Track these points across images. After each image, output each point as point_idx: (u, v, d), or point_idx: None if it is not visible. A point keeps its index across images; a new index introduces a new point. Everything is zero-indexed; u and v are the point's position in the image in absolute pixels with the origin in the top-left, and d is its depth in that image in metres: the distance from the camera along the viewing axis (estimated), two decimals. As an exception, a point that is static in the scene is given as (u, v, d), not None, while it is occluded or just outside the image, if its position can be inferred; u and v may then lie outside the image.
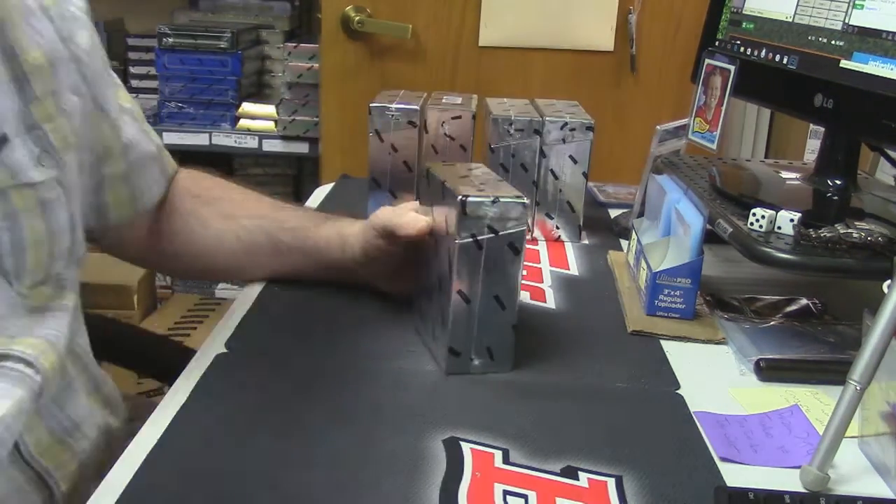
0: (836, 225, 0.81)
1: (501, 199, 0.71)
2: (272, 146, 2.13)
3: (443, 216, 0.75)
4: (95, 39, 0.79)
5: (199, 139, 2.13)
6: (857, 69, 0.86)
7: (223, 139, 2.13)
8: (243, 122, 2.13)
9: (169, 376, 0.75)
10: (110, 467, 0.71)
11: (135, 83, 2.23)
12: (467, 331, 0.74)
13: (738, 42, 1.05)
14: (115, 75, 0.85)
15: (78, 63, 0.74)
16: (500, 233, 0.72)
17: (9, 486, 0.66)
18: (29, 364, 0.66)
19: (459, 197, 0.70)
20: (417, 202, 0.84)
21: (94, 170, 0.80)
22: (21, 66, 0.67)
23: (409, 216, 0.79)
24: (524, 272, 0.78)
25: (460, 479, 0.60)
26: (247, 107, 2.14)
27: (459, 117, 1.10)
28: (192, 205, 0.91)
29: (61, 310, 0.71)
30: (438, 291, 0.76)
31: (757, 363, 0.79)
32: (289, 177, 2.35)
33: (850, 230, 0.80)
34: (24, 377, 0.65)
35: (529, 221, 0.72)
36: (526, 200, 0.72)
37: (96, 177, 0.81)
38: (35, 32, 0.69)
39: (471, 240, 0.71)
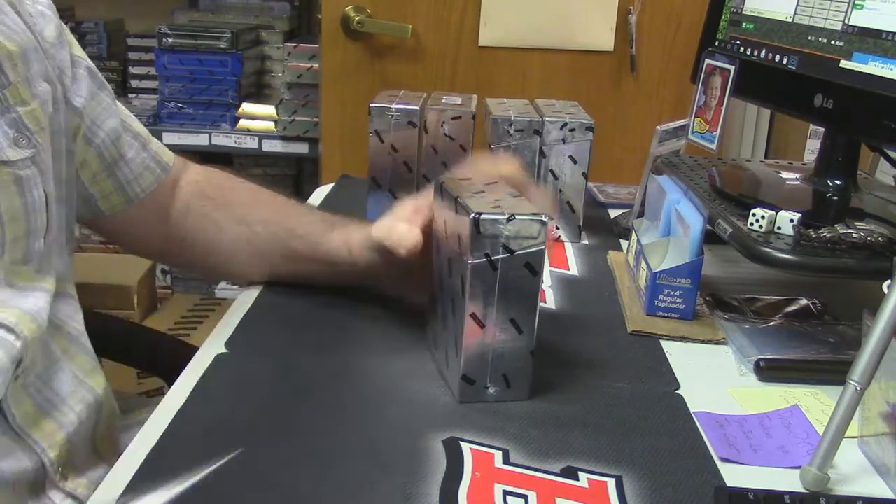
0: (836, 225, 0.81)
1: (518, 217, 0.66)
2: (272, 146, 2.13)
3: (456, 234, 0.70)
4: (65, 36, 0.82)
5: (198, 139, 2.13)
6: (857, 69, 0.86)
7: (223, 139, 2.13)
8: (243, 123, 2.14)
9: (171, 374, 0.75)
10: (99, 438, 0.79)
11: (135, 83, 2.23)
12: (482, 357, 0.70)
13: (738, 42, 1.05)
14: (93, 70, 0.86)
15: (46, 55, 0.78)
16: (517, 252, 0.67)
17: (1, 451, 0.69)
18: (9, 330, 0.69)
19: (472, 214, 0.66)
20: (414, 202, 0.80)
21: (70, 158, 0.82)
22: None
23: (398, 232, 0.76)
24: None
25: (460, 479, 0.60)
26: (247, 107, 2.14)
27: (459, 117, 1.10)
28: (206, 207, 0.92)
29: (42, 291, 0.74)
30: (451, 315, 0.72)
31: (757, 363, 0.79)
32: (289, 177, 2.35)
33: (850, 230, 0.80)
34: (4, 341, 0.68)
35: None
36: (545, 217, 0.67)
37: (74, 166, 0.83)
38: (5, 26, 0.73)
39: (484, 260, 0.67)
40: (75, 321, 0.81)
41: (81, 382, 0.78)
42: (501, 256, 0.67)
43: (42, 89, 0.76)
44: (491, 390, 0.71)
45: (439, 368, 0.76)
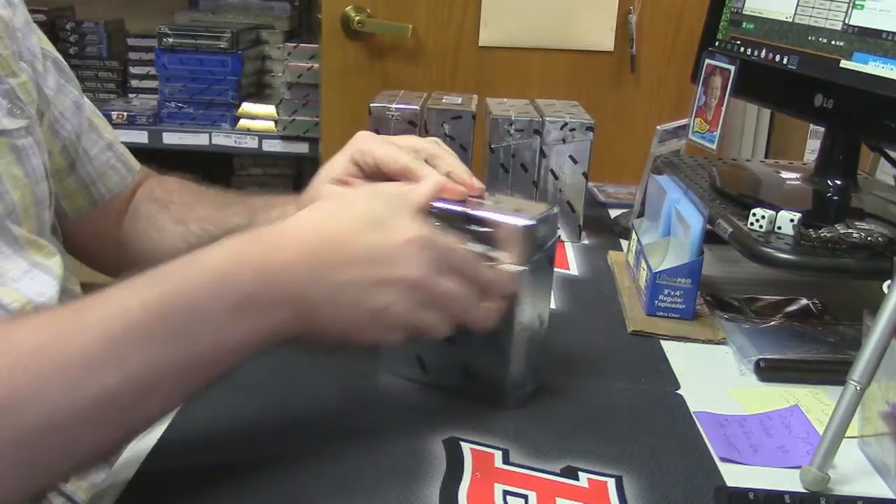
0: (836, 225, 0.81)
1: (544, 215, 0.67)
2: (272, 146, 2.13)
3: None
4: (32, 26, 0.81)
5: (199, 139, 2.13)
6: (857, 69, 0.86)
7: (223, 139, 2.13)
8: (243, 122, 2.13)
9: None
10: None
11: (135, 83, 2.23)
12: (526, 360, 0.70)
13: (738, 42, 1.05)
14: (59, 63, 0.85)
15: (18, 42, 0.78)
16: (545, 247, 0.68)
17: None
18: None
19: (521, 224, 0.64)
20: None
21: (43, 143, 0.81)
22: None
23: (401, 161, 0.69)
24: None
25: (460, 479, 0.60)
26: (247, 107, 2.14)
27: (459, 117, 1.10)
28: (152, 209, 0.90)
29: (50, 274, 0.73)
30: (465, 329, 0.68)
31: (757, 363, 0.79)
32: (289, 177, 2.35)
33: (850, 230, 0.80)
34: None
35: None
36: (556, 209, 0.69)
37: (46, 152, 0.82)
38: None
39: (527, 266, 0.66)
40: None
41: None
42: (536, 257, 0.67)
43: (24, 66, 0.76)
44: (528, 388, 0.72)
45: (444, 386, 0.72)
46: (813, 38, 0.93)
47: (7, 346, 0.45)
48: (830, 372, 0.76)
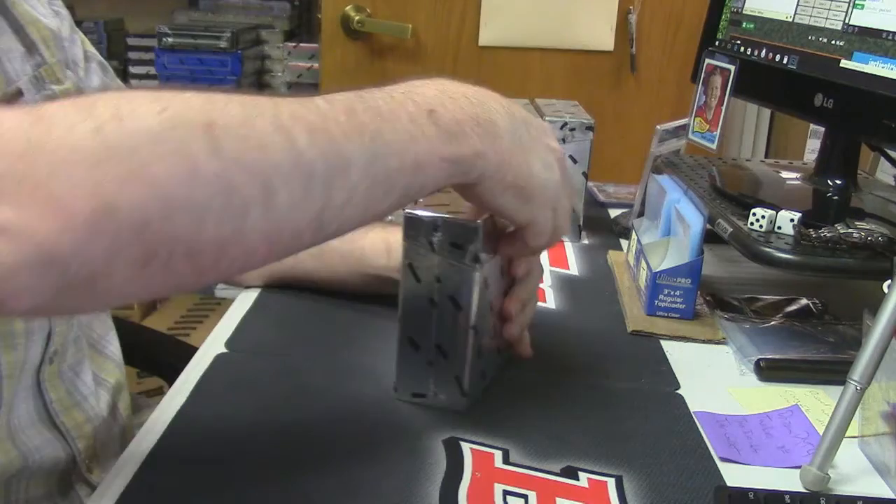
0: (836, 225, 0.81)
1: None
2: (272, 146, 2.13)
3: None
4: (77, 34, 0.84)
5: (199, 139, 2.13)
6: (857, 69, 0.86)
7: (223, 139, 2.13)
8: (243, 122, 2.13)
9: (171, 374, 0.76)
10: (119, 434, 0.83)
11: (135, 83, 2.23)
12: None
13: (739, 42, 1.05)
14: (104, 65, 0.88)
15: (65, 51, 0.81)
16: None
17: (41, 438, 0.74)
18: None
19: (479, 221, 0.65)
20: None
21: None
22: (28, 35, 0.75)
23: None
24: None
25: (460, 479, 0.60)
26: (247, 107, 2.14)
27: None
28: None
29: None
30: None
31: (757, 363, 0.79)
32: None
33: (850, 230, 0.80)
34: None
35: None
36: None
37: None
38: (39, 14, 0.77)
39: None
40: (98, 328, 0.85)
41: (103, 381, 0.82)
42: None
43: (70, 74, 0.79)
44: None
45: (473, 400, 0.70)
46: (813, 37, 0.93)
47: (205, 95, 0.46)
48: (830, 372, 0.76)
